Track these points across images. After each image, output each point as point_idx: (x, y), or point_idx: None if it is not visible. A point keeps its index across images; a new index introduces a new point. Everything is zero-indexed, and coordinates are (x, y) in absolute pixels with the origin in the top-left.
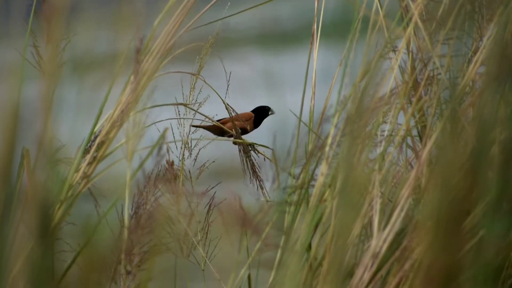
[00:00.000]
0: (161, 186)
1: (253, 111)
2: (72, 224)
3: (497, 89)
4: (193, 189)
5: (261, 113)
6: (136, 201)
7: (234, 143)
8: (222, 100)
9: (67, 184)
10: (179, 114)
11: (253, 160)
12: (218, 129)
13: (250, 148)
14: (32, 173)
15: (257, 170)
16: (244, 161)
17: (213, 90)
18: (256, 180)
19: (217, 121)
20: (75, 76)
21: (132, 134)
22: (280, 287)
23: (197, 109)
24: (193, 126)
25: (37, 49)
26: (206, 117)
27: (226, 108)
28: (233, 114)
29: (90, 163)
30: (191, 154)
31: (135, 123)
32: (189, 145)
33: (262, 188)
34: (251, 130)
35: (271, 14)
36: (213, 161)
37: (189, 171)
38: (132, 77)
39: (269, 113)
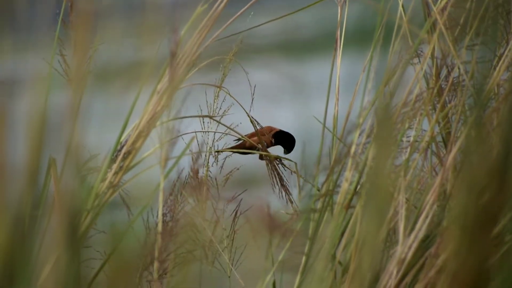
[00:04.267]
0: (187, 194)
1: (281, 131)
2: (98, 233)
3: None
4: (219, 195)
5: (285, 139)
6: (162, 208)
7: (261, 157)
8: (247, 113)
9: (94, 193)
10: (203, 123)
11: (281, 173)
12: (243, 147)
13: (277, 162)
14: (58, 182)
15: (285, 183)
16: (272, 174)
17: (237, 102)
18: (284, 192)
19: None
20: (102, 84)
21: (165, 141)
22: None
23: (220, 120)
24: (217, 151)
25: (64, 58)
26: (229, 128)
27: (251, 122)
28: (258, 127)
29: (116, 173)
30: (217, 161)
31: (167, 130)
32: (216, 153)
33: (291, 202)
34: (270, 146)
35: (293, 20)
36: (237, 168)
37: (215, 179)
38: (159, 86)
39: (284, 151)
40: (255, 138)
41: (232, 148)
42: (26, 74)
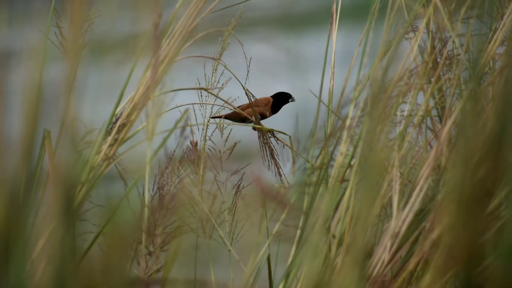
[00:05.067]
0: (183, 167)
1: (273, 96)
2: (93, 205)
3: None
4: (223, 169)
5: (281, 99)
6: (158, 181)
7: (254, 128)
8: (242, 86)
9: (89, 166)
10: (201, 96)
11: (272, 147)
12: (238, 116)
13: (269, 135)
14: (53, 154)
15: (275, 156)
16: (263, 147)
17: (234, 76)
18: (274, 166)
19: (237, 107)
20: (98, 57)
21: (153, 115)
22: (300, 266)
23: (218, 93)
24: (212, 117)
25: (60, 30)
26: (226, 102)
27: (246, 94)
28: (253, 100)
29: (111, 145)
30: (222, 134)
31: (156, 104)
32: (221, 126)
33: (280, 175)
34: (269, 115)
35: None
36: (236, 143)
37: (220, 152)
38: (153, 58)
39: (289, 100)
40: (250, 110)
41: (227, 115)
42: (22, 46)
